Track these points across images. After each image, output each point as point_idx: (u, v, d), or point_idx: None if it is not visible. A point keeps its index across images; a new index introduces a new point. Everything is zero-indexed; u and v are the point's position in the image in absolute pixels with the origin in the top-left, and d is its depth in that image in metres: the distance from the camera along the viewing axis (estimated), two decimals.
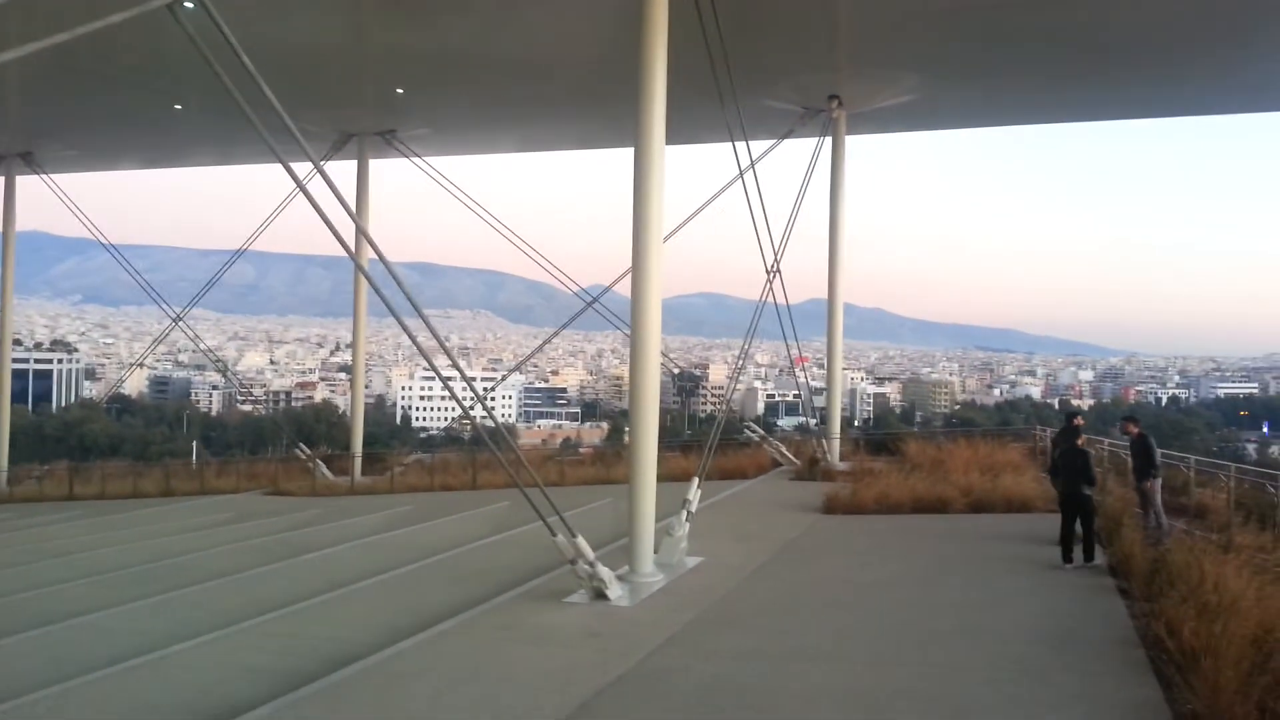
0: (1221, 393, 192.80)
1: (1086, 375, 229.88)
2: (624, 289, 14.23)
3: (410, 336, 10.25)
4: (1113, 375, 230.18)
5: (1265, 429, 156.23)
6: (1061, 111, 28.87)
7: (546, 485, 11.14)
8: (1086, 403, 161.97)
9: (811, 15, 18.80)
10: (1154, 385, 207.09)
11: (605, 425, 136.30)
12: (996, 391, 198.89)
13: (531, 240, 28.67)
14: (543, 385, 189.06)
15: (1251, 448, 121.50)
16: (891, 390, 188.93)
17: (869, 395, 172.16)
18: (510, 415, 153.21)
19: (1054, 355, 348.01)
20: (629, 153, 12.37)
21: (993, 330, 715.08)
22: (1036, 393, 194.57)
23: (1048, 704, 7.15)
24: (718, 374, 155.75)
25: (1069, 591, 10.85)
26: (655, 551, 11.90)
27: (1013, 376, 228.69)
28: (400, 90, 25.28)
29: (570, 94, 25.04)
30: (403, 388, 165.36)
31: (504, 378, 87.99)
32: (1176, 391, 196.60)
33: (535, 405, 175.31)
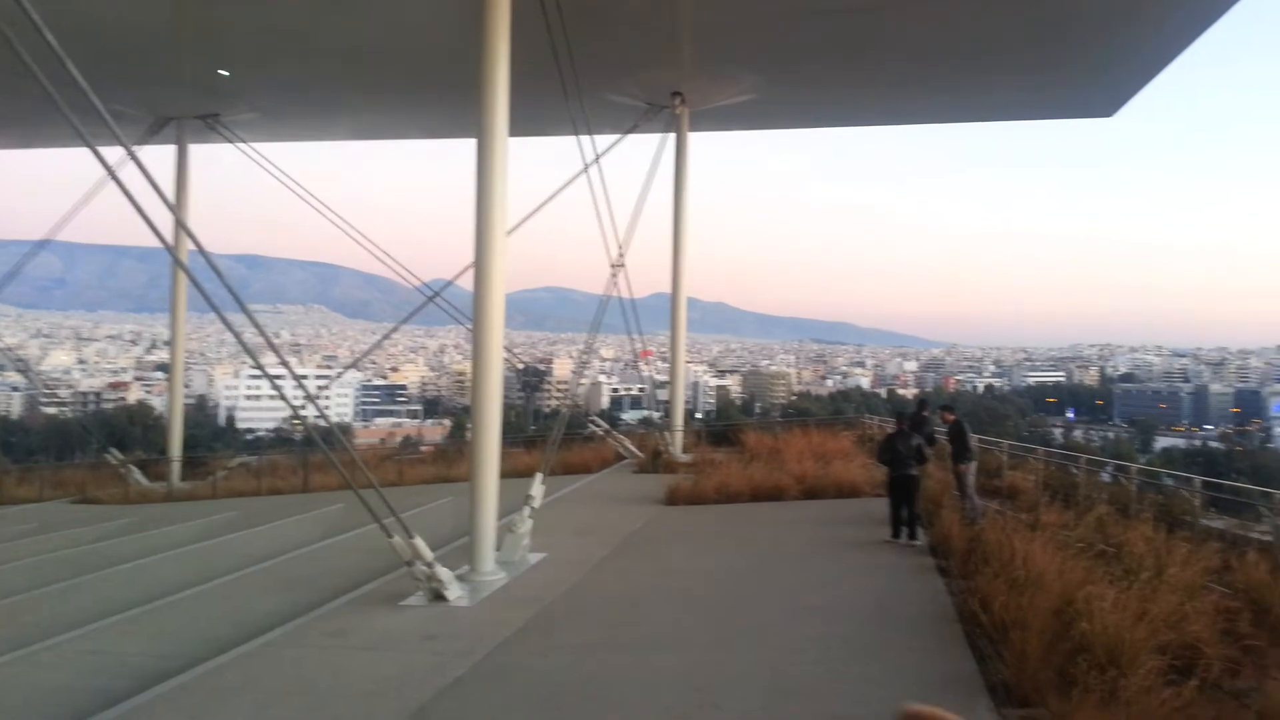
0: (1032, 381, 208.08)
1: (911, 366, 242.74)
2: (466, 283, 13.97)
3: (233, 333, 9.69)
4: (935, 366, 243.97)
5: (1070, 414, 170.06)
6: (889, 115, 30.37)
7: (384, 486, 10.82)
8: (911, 391, 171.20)
9: (654, 11, 19.00)
10: (972, 375, 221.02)
11: (447, 422, 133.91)
12: (830, 382, 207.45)
13: (369, 232, 27.68)
14: (381, 382, 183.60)
15: (1058, 432, 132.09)
16: (733, 382, 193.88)
17: (711, 388, 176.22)
18: (346, 414, 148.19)
19: (882, 347, 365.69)
20: (472, 144, 12.16)
21: (827, 323, 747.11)
22: (866, 383, 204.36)
23: (873, 680, 7.49)
24: (563, 369, 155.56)
25: (893, 571, 11.43)
26: (497, 549, 11.77)
27: (844, 368, 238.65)
28: (224, 72, 23.90)
29: (410, 82, 24.35)
30: (227, 387, 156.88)
31: (339, 375, 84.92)
32: (992, 380, 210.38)
33: (373, 403, 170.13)
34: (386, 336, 38.68)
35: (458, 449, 34.58)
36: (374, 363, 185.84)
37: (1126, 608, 7.50)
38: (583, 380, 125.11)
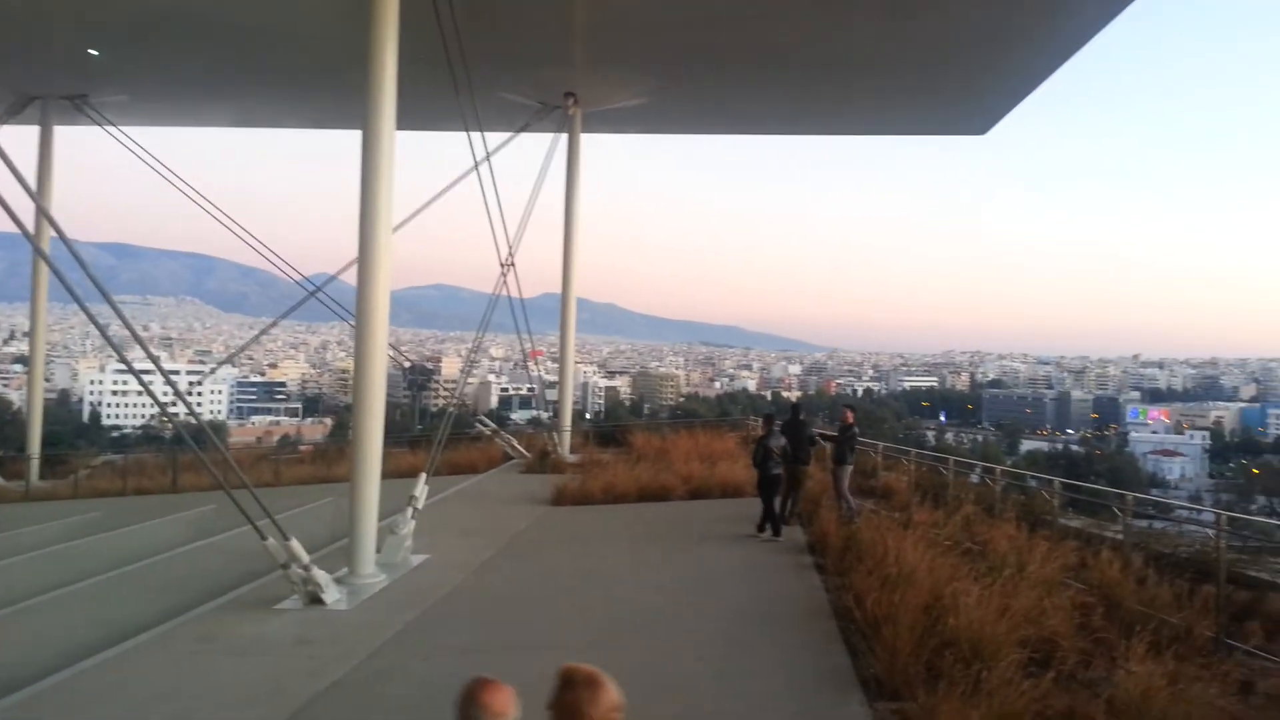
0: (908, 385, 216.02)
1: (795, 369, 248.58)
2: (351, 278, 13.60)
3: (96, 325, 9.19)
4: (818, 369, 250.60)
5: (942, 417, 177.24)
6: (778, 125, 31.01)
7: (260, 486, 10.47)
8: (795, 394, 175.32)
9: (547, 10, 18.91)
10: (852, 378, 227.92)
11: (329, 421, 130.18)
12: (718, 384, 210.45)
13: (249, 223, 26.60)
14: (258, 379, 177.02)
15: (931, 435, 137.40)
16: (622, 383, 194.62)
17: (601, 388, 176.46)
18: (220, 412, 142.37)
19: (768, 350, 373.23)
20: (358, 136, 11.85)
21: (716, 326, 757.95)
22: (752, 385, 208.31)
23: (752, 675, 7.66)
24: (451, 368, 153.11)
25: (773, 570, 11.69)
26: (378, 552, 11.52)
27: (732, 370, 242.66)
28: (94, 51, 22.60)
29: (294, 69, 23.51)
30: (92, 381, 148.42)
31: (212, 370, 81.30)
32: (871, 384, 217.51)
33: (249, 400, 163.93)
34: (264, 331, 37.39)
35: (339, 448, 33.60)
36: (250, 358, 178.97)
37: (990, 604, 7.87)
38: (471, 379, 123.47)
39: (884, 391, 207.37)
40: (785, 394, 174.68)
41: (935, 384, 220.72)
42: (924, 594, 8.34)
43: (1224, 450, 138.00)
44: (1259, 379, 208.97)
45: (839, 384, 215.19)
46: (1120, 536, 11.63)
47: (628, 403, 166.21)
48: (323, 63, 21.99)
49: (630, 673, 7.88)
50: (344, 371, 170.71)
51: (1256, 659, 8.10)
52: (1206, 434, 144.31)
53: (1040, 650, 7.57)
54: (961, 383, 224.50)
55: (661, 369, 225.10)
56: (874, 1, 17.71)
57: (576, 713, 2.90)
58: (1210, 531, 10.90)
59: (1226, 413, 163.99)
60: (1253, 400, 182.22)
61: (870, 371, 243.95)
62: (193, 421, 12.82)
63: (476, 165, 18.91)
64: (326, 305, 22.55)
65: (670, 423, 42.67)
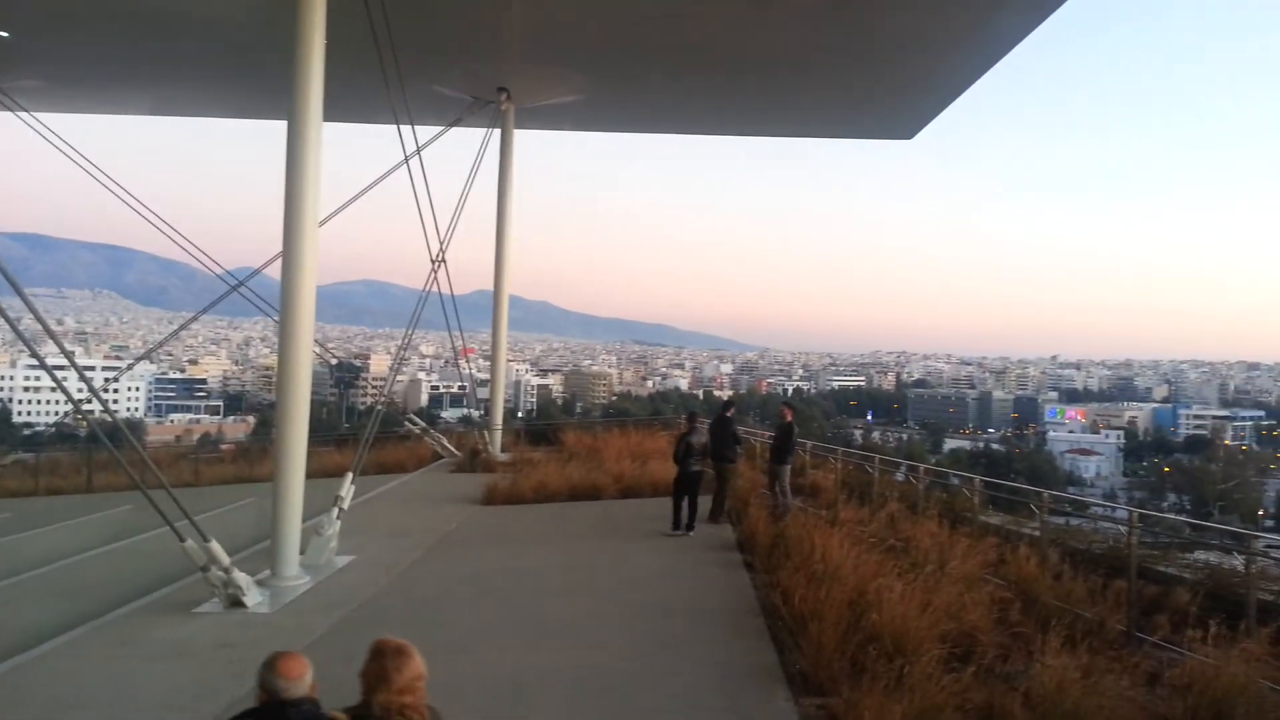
0: (836, 385, 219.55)
1: (727, 368, 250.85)
2: (276, 272, 13.28)
3: (6, 319, 8.81)
4: (749, 368, 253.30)
5: (869, 416, 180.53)
6: (711, 125, 31.15)
7: (179, 486, 10.19)
8: (727, 392, 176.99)
9: (480, 3, 18.70)
10: (782, 377, 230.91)
11: (251, 419, 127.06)
12: (650, 383, 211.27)
13: (169, 214, 25.69)
14: (179, 376, 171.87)
15: (858, 433, 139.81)
16: (555, 382, 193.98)
17: (533, 387, 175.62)
18: (137, 409, 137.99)
19: (700, 349, 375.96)
20: (283, 126, 11.58)
21: (649, 325, 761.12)
22: (684, 384, 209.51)
23: (681, 673, 7.70)
24: (380, 365, 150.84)
25: (702, 568, 11.77)
26: (302, 553, 11.27)
27: (664, 369, 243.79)
28: (3, 33, 21.65)
29: (217, 55, 22.78)
30: (2, 377, 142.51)
31: (129, 366, 78.77)
32: (800, 383, 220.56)
33: (168, 398, 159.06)
34: (184, 327, 36.35)
35: (262, 447, 32.84)
36: (170, 354, 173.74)
37: (912, 599, 8.04)
38: (400, 377, 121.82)
39: (813, 391, 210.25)
40: (717, 393, 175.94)
41: (863, 383, 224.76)
42: (849, 590, 8.48)
43: (1138, 449, 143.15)
44: (1170, 380, 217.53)
45: (770, 383, 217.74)
46: (1038, 533, 11.98)
47: (560, 401, 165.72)
48: (247, 50, 21.40)
49: (559, 672, 7.96)
50: (267, 368, 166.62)
51: (1164, 650, 8.40)
52: (1121, 433, 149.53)
53: (960, 645, 7.75)
54: (888, 382, 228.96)
55: (594, 367, 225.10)
56: (804, 6, 17.90)
57: (384, 679, 3.39)
58: (1122, 528, 11.30)
59: (1140, 413, 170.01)
60: (1165, 401, 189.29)
61: (800, 371, 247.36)
62: (108, 419, 12.38)
63: (407, 159, 18.61)
64: (250, 300, 21.98)
65: (602, 421, 42.67)
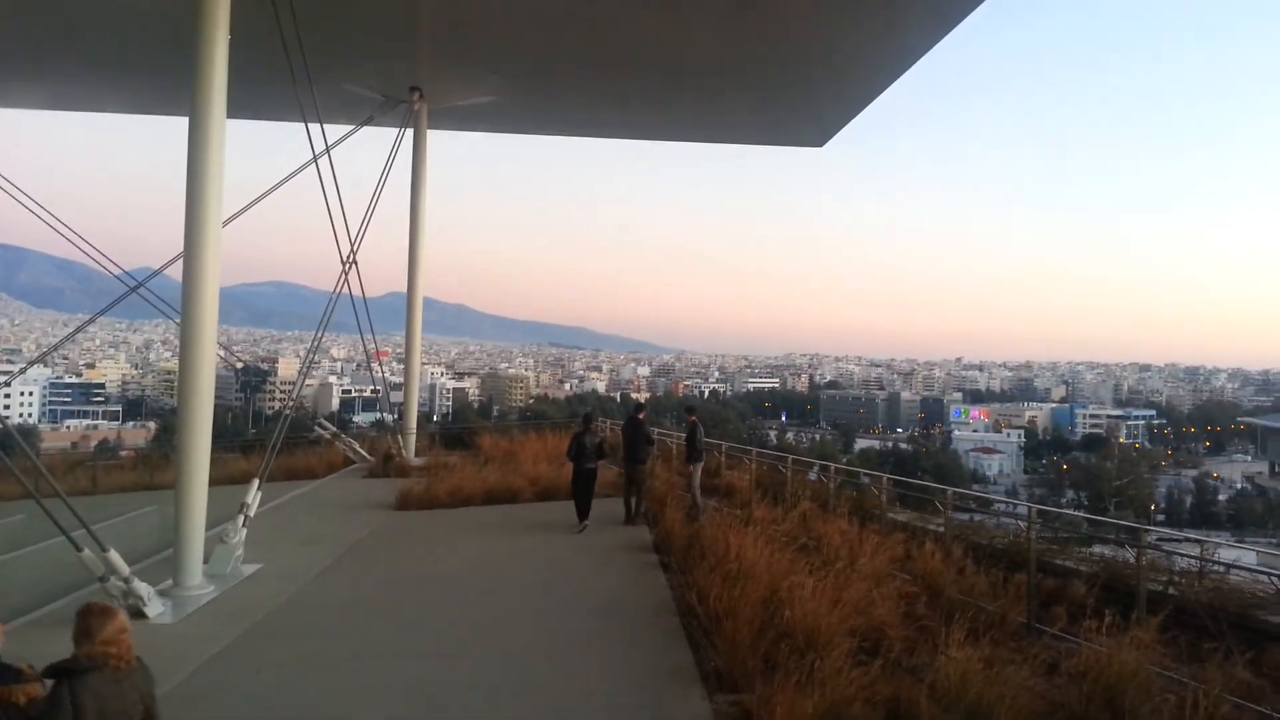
0: (751, 387, 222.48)
1: (644, 371, 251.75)
2: (177, 273, 12.84)
3: None
4: (666, 371, 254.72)
5: (784, 418, 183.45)
6: (625, 129, 31.26)
7: (75, 494, 9.74)
8: (644, 395, 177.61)
9: (392, 1, 18.41)
10: (699, 380, 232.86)
11: (152, 425, 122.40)
12: (567, 386, 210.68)
13: (64, 213, 24.59)
14: (75, 380, 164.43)
15: (773, 434, 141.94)
16: (471, 385, 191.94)
17: (449, 390, 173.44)
18: (30, 415, 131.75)
19: (617, 352, 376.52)
20: (185, 123, 11.21)
21: (566, 328, 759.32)
22: (602, 386, 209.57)
23: (598, 674, 7.72)
24: (289, 368, 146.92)
25: (619, 568, 11.81)
26: (206, 562, 10.92)
27: (581, 371, 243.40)
28: None
29: (115, 48, 21.91)
30: None
31: (21, 371, 75.20)
32: (716, 386, 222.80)
33: (64, 403, 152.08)
34: (80, 329, 34.79)
35: (164, 454, 31.66)
36: (65, 358, 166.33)
37: (823, 596, 8.22)
38: (310, 381, 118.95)
39: (729, 393, 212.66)
40: (634, 395, 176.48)
41: (777, 385, 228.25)
42: (763, 588, 8.62)
43: (1037, 448, 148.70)
44: (1068, 381, 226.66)
45: (686, 385, 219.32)
46: (943, 529, 12.36)
47: (476, 404, 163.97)
48: (147, 43, 20.65)
49: (476, 677, 7.89)
50: (169, 372, 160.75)
51: (1062, 641, 8.76)
52: (1022, 433, 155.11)
53: (869, 639, 7.95)
54: (801, 384, 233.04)
55: (511, 370, 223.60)
56: (715, 12, 18.11)
57: (88, 634, 3.96)
58: (1022, 524, 11.75)
59: (1039, 413, 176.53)
60: (1062, 401, 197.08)
61: (716, 373, 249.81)
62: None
63: (316, 158, 18.20)
64: (150, 302, 21.19)
65: (519, 424, 42.37)
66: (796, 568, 9.38)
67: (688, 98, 24.09)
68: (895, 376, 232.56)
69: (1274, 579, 9.32)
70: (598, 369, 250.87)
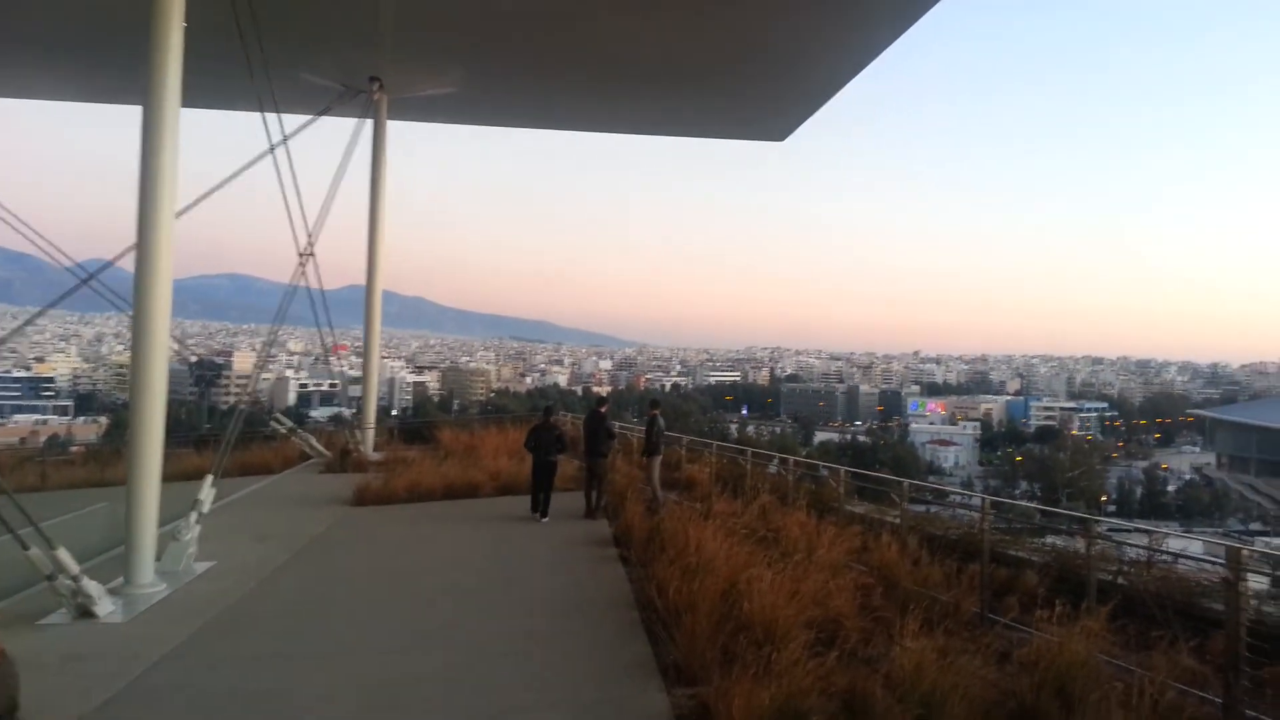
0: (713, 380, 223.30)
1: (606, 364, 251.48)
2: (130, 265, 12.60)
3: None
4: (628, 364, 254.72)
5: (744, 411, 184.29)
6: (588, 121, 31.14)
7: (23, 491, 9.53)
8: (606, 389, 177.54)
9: None
10: (661, 373, 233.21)
11: (104, 420, 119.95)
12: (529, 379, 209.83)
13: (13, 202, 23.92)
14: (23, 374, 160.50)
15: (734, 427, 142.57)
16: (431, 379, 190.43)
17: (408, 384, 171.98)
18: None
19: (579, 345, 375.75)
20: (139, 111, 10.99)
21: (527, 321, 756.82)
22: (564, 380, 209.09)
23: (557, 669, 7.72)
24: (244, 362, 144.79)
25: (579, 563, 11.82)
26: (158, 559, 10.75)
27: (543, 365, 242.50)
28: None
29: (68, 34, 21.43)
30: None
31: None
32: (678, 379, 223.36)
33: (12, 398, 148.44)
34: (30, 322, 33.91)
35: (116, 449, 31.05)
36: (14, 351, 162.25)
37: (781, 588, 8.29)
38: (266, 375, 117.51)
39: (690, 386, 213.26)
40: (596, 389, 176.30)
41: (738, 379, 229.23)
42: (722, 581, 8.67)
43: (993, 440, 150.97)
44: (1022, 374, 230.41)
45: (648, 379, 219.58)
46: (899, 521, 12.52)
47: (437, 399, 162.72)
48: (100, 29, 20.21)
49: (439, 675, 7.86)
50: (121, 366, 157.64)
51: (1014, 630, 8.92)
52: (978, 425, 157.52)
53: (826, 630, 8.04)
54: (762, 378, 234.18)
55: (472, 364, 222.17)
56: (677, 6, 18.14)
57: None
58: (976, 515, 11.93)
59: (995, 405, 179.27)
60: (1017, 394, 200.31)
61: (678, 367, 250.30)
62: None
63: (273, 148, 17.97)
64: (102, 294, 20.77)
65: (480, 418, 42.15)
66: (755, 560, 9.46)
67: (649, 91, 24.12)
68: (854, 370, 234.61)
69: (1219, 568, 9.57)
70: (559, 363, 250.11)
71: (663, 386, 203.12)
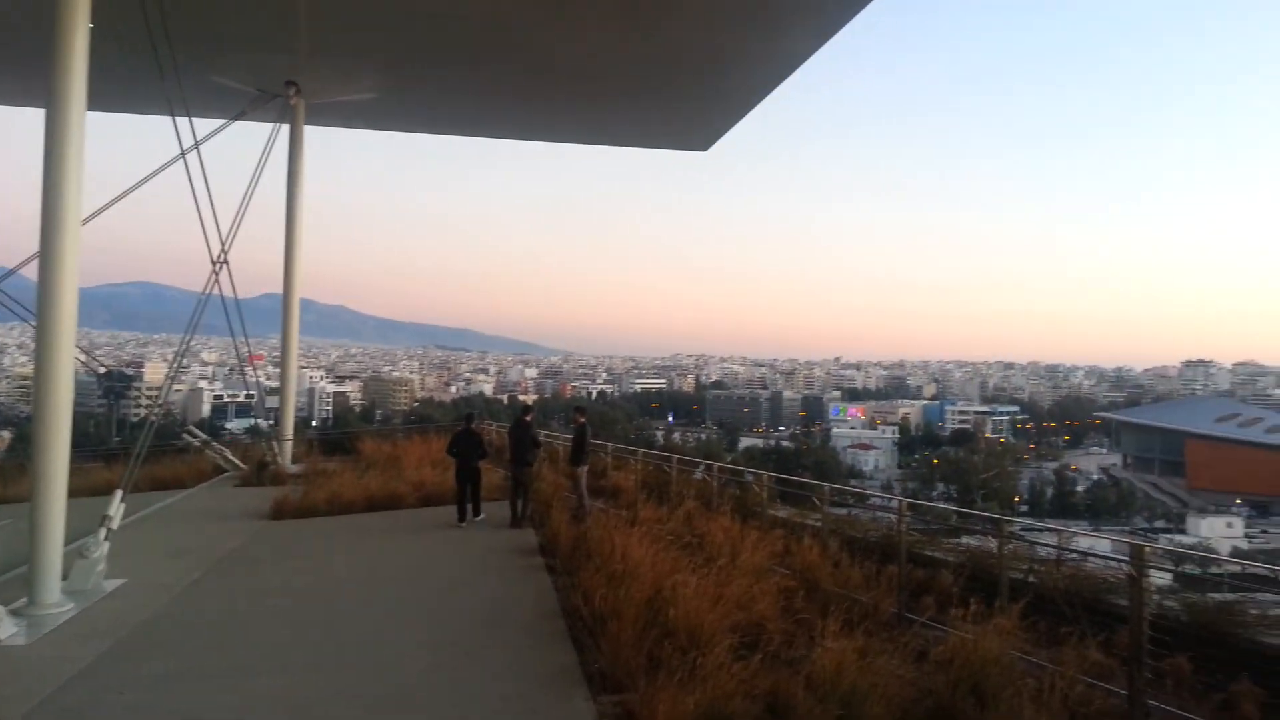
0: (639, 387, 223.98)
1: (532, 373, 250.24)
2: (33, 273, 12.12)
3: None
4: (553, 373, 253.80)
5: (670, 418, 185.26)
6: (509, 129, 30.96)
7: None
8: (532, 397, 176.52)
9: None
10: (587, 381, 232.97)
11: (7, 434, 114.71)
12: (454, 389, 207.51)
13: None
14: None
15: (660, 434, 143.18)
16: (353, 389, 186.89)
17: (328, 394, 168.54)
18: None
19: (505, 354, 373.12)
20: (42, 115, 10.60)
21: (451, 330, 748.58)
22: (489, 389, 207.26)
23: (481, 681, 7.67)
24: (155, 373, 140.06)
25: (504, 573, 11.75)
26: (65, 578, 10.35)
27: (468, 374, 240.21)
28: None
29: None
30: None
31: None
32: (604, 387, 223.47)
33: None
34: None
35: (19, 464, 29.72)
36: None
37: (706, 593, 8.39)
38: (178, 386, 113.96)
39: (617, 394, 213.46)
40: (522, 397, 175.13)
41: (664, 386, 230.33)
42: (647, 588, 8.72)
43: (911, 443, 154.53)
44: (938, 379, 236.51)
45: (574, 387, 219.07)
46: (820, 524, 12.76)
47: (358, 409, 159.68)
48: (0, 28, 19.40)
49: (355, 690, 7.74)
50: (25, 378, 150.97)
51: (931, 629, 9.16)
52: (896, 429, 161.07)
53: (749, 634, 8.15)
54: (688, 384, 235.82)
55: (395, 373, 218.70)
56: (598, 15, 18.21)
57: None
58: (894, 517, 12.23)
59: (913, 409, 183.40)
60: (933, 398, 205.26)
61: (604, 374, 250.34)
62: None
63: (184, 153, 17.49)
64: (4, 304, 19.94)
65: (404, 428, 41.52)
66: (680, 566, 9.54)
67: (570, 98, 24.15)
68: (778, 376, 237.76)
69: (1124, 565, 9.98)
70: (485, 371, 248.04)
71: (589, 394, 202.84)
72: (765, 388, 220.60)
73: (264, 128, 22.88)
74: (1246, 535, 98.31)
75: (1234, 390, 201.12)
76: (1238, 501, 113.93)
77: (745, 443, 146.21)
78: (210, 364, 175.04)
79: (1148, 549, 7.95)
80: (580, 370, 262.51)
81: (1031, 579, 9.92)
